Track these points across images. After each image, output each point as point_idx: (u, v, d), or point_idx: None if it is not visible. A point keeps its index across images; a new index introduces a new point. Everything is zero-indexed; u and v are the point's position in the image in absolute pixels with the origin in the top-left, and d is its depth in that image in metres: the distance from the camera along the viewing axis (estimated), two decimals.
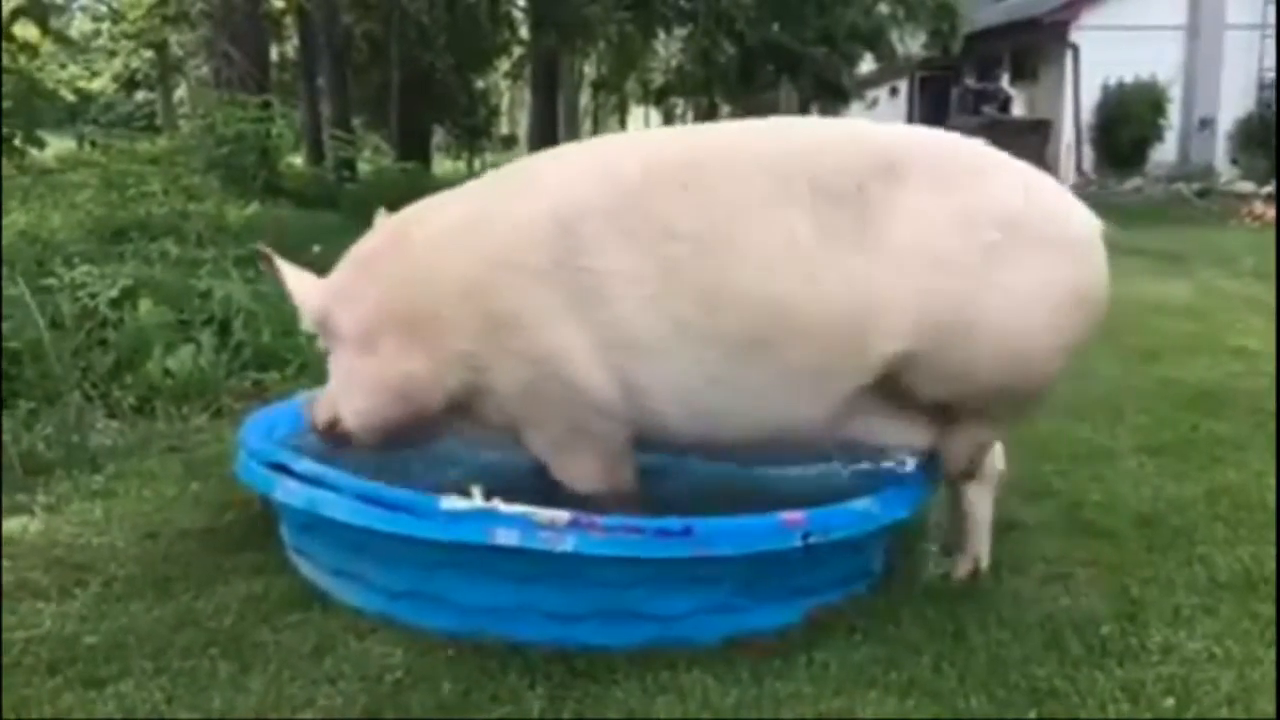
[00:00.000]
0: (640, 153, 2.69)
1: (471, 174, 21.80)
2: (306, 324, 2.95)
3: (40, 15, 6.98)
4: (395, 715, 2.15)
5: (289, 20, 18.59)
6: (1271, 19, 17.78)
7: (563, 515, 2.30)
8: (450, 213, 2.74)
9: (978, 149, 2.68)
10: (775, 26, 16.77)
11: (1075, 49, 18.26)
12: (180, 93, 29.69)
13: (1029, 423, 4.22)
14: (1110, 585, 2.77)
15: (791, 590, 2.51)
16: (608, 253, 2.45)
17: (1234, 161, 18.30)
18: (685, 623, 2.43)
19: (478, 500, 2.33)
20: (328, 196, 11.41)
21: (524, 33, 18.62)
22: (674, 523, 2.32)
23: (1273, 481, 3.46)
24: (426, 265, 2.63)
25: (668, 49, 22.77)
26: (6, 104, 6.47)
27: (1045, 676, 2.31)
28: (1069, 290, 2.54)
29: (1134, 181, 17.19)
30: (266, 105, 8.28)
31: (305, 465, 2.56)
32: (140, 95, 34.15)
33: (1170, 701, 2.21)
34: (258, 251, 2.98)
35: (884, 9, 18.13)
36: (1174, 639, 2.48)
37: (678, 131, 2.99)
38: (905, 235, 2.43)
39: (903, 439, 2.69)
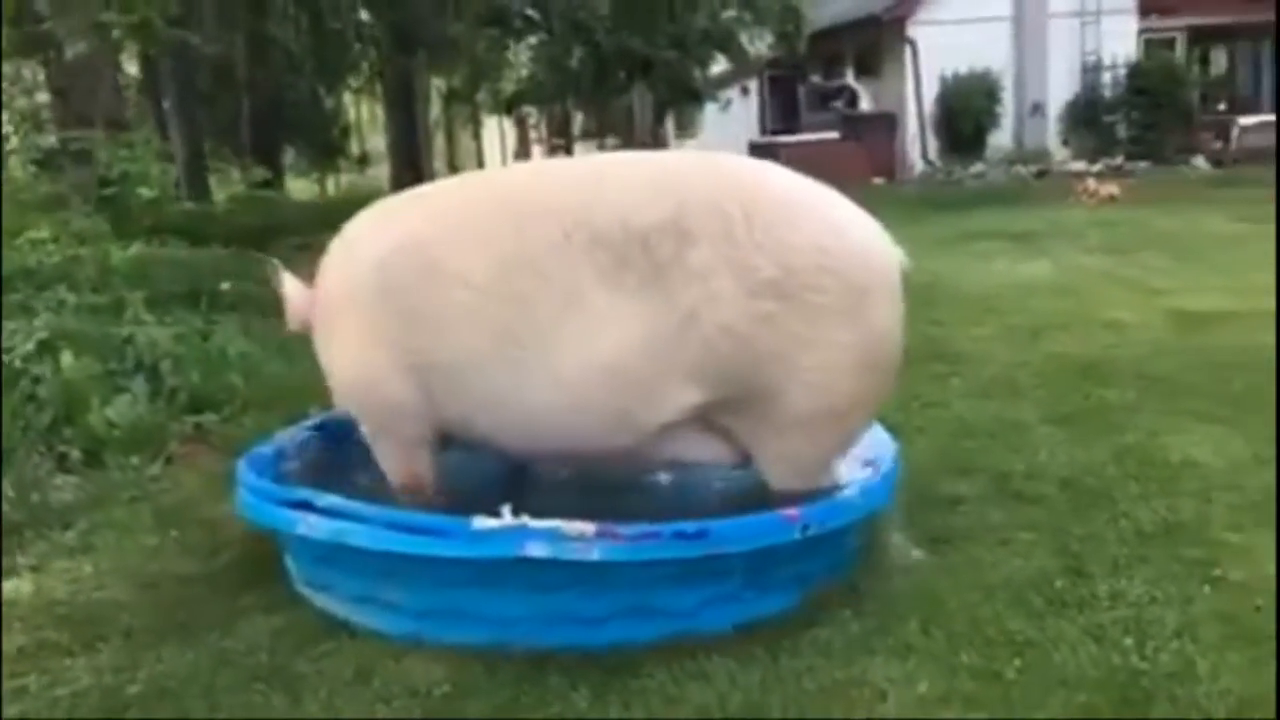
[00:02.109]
0: (451, 201, 3.08)
1: (324, 193, 21.62)
2: (291, 324, 3.29)
3: None
4: None
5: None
6: (1089, 6, 19.05)
7: (589, 527, 2.49)
8: (349, 231, 3.16)
9: (780, 194, 2.77)
10: (628, 34, 17.12)
11: (913, 44, 19.14)
12: (7, 127, 28.29)
13: (943, 404, 4.64)
14: (1052, 545, 3.11)
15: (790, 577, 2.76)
16: (414, 291, 2.87)
17: (1064, 143, 19.51)
18: (699, 615, 2.65)
19: (507, 518, 2.51)
20: (194, 230, 11.12)
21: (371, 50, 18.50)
22: (690, 525, 2.54)
23: (1169, 441, 3.90)
24: (321, 274, 3.14)
25: (518, 57, 22.89)
26: None
27: (1019, 630, 2.62)
28: (857, 358, 2.71)
29: (977, 167, 18.13)
30: (147, 142, 8.15)
31: (329, 499, 2.69)
32: None
33: (1129, 640, 2.54)
34: (268, 263, 3.35)
35: (732, 13, 18.70)
36: (1117, 587, 2.82)
37: (491, 179, 3.48)
38: (691, 299, 2.63)
39: (726, 457, 2.93)
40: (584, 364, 2.70)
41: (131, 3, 7.51)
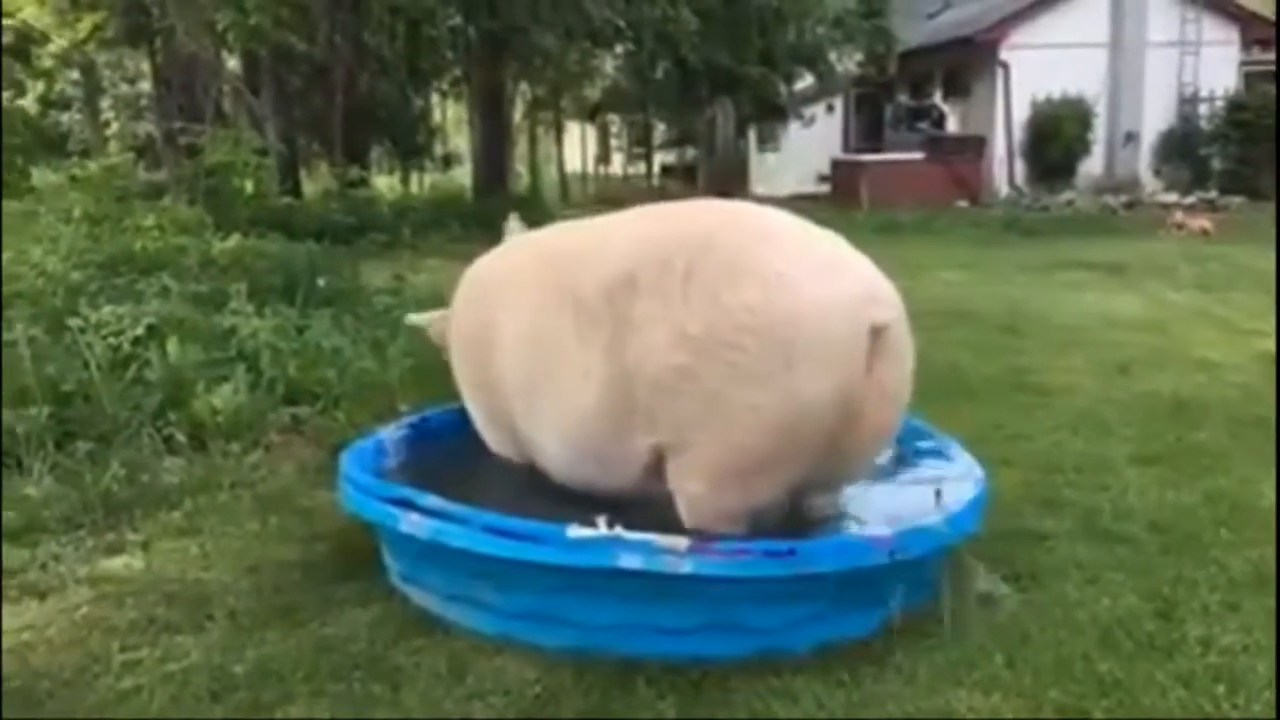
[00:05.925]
0: (523, 249, 3.48)
1: (407, 192, 22.11)
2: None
3: (25, 53, 7.01)
4: None
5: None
6: (1189, 36, 18.69)
7: (681, 541, 2.54)
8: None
9: (736, 248, 2.74)
10: (717, 47, 17.19)
11: (1005, 66, 18.96)
12: (108, 113, 29.15)
13: (1028, 437, 4.61)
14: (1141, 587, 3.08)
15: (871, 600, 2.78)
16: (476, 326, 3.41)
17: (1156, 173, 19.17)
18: (782, 634, 2.68)
19: (602, 528, 2.57)
20: (288, 224, 11.38)
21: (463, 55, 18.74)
22: (781, 544, 2.58)
23: (1264, 488, 3.83)
24: None
25: (603, 66, 23.09)
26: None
27: (1107, 670, 2.61)
28: (770, 422, 2.65)
29: (1066, 194, 17.88)
30: (251, 140, 8.40)
31: (430, 500, 2.78)
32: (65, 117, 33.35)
33: (1221, 688, 2.52)
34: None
35: (821, 30, 18.68)
36: (1208, 633, 2.79)
37: (552, 235, 3.57)
38: (634, 351, 2.78)
39: None
40: (571, 413, 2.98)
41: (246, 5, 7.76)
